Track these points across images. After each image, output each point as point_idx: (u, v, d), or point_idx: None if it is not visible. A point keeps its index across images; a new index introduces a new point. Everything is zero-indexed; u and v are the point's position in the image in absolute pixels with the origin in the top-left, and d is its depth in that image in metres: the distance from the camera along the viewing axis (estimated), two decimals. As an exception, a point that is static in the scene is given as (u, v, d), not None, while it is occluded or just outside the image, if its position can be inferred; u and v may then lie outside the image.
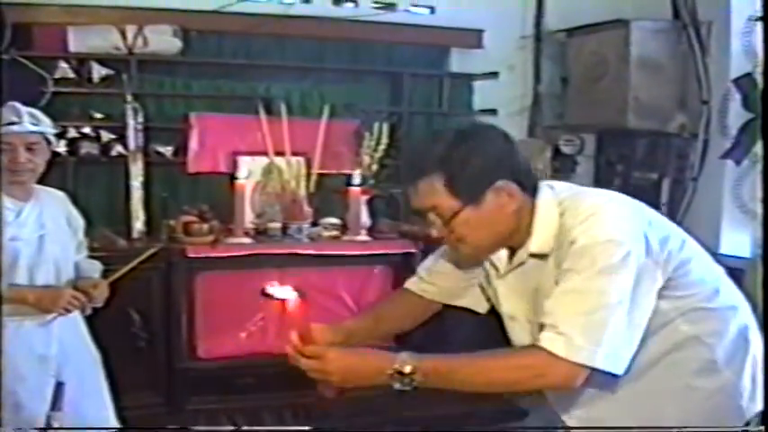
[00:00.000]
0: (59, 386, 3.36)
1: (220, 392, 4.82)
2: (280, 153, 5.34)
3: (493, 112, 5.74)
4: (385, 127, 5.43)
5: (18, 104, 3.44)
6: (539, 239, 2.21)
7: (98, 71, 5.14)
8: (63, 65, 5.06)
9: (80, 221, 3.78)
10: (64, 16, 5.07)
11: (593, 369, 2.03)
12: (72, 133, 5.02)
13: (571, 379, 2.05)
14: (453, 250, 2.35)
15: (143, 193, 5.14)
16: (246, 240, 4.99)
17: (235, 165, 5.26)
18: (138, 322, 4.70)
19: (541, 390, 2.21)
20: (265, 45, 5.57)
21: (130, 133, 5.10)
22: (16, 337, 3.27)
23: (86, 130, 5.12)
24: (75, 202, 3.77)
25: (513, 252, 2.31)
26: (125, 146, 5.12)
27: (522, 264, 2.28)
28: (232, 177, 5.14)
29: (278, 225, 5.21)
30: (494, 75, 5.75)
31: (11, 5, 4.83)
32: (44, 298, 3.35)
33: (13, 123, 3.32)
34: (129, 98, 5.09)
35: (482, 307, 2.60)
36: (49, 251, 3.46)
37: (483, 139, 2.21)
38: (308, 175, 5.38)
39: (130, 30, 5.15)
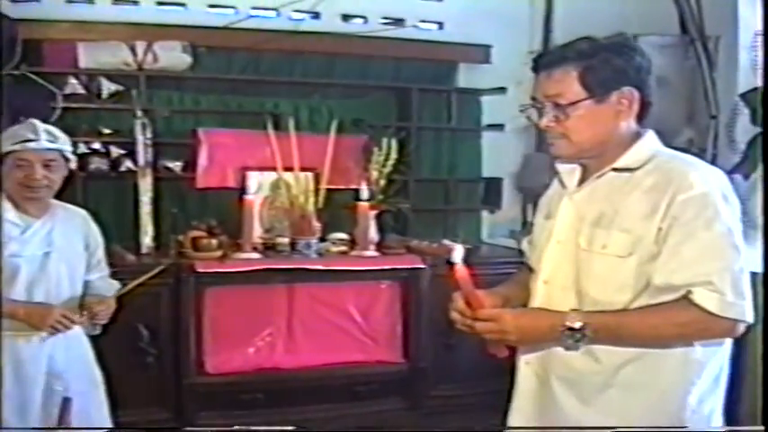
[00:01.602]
0: (66, 401, 3.37)
1: (228, 408, 4.81)
2: (288, 168, 5.35)
3: (500, 127, 5.76)
4: (393, 142, 5.43)
5: (36, 122, 3.45)
6: (629, 158, 2.29)
7: (108, 87, 5.17)
8: (73, 81, 5.09)
9: (99, 240, 3.75)
10: (74, 32, 5.11)
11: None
12: (81, 149, 5.02)
13: (731, 331, 2.18)
14: (551, 144, 2.39)
15: (152, 209, 5.16)
16: (255, 255, 4.99)
17: (243, 180, 5.27)
18: (147, 337, 4.71)
19: (710, 340, 2.25)
20: (274, 61, 5.59)
21: (140, 149, 5.12)
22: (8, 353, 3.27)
23: (96, 145, 5.14)
24: None
25: (584, 173, 2.40)
26: (134, 161, 5.14)
27: (599, 177, 2.34)
28: (241, 192, 5.15)
29: (286, 240, 5.21)
30: (502, 90, 5.74)
31: (22, 21, 4.86)
32: (33, 315, 3.31)
33: (30, 140, 3.32)
34: (138, 114, 5.12)
35: None
36: (53, 269, 3.43)
37: (629, 47, 2.30)
38: (317, 190, 5.38)
39: (140, 46, 5.18)
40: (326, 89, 5.75)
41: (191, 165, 5.34)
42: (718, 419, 2.33)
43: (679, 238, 2.15)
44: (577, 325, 2.16)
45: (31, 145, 3.33)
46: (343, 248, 5.27)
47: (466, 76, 5.93)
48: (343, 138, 5.51)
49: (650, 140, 2.34)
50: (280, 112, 5.53)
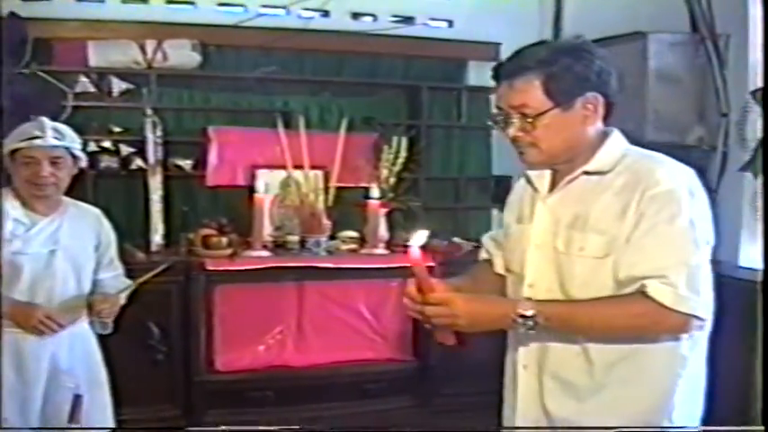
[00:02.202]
0: (77, 399, 3.38)
1: (238, 406, 4.81)
2: (298, 166, 5.35)
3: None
4: (403, 140, 5.44)
5: (44, 119, 3.44)
6: (599, 161, 2.30)
7: (118, 85, 5.19)
8: (83, 79, 5.12)
9: (111, 239, 3.74)
10: (84, 31, 5.13)
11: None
12: (92, 147, 5.04)
13: (683, 327, 2.19)
14: (521, 154, 2.37)
15: (162, 207, 5.18)
16: (265, 253, 5.00)
17: (253, 178, 5.28)
18: (157, 335, 4.72)
19: (660, 335, 2.26)
20: (284, 59, 5.58)
21: (150, 147, 5.14)
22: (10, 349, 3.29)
23: (106, 143, 5.16)
24: None
25: (555, 177, 2.40)
26: (144, 159, 5.16)
27: (570, 182, 2.34)
28: (251, 191, 5.15)
29: (296, 238, 5.22)
30: (511, 88, 5.72)
31: (32, 20, 4.88)
32: (17, 314, 3.27)
33: (36, 138, 3.32)
34: (148, 112, 5.13)
35: None
36: (59, 268, 3.42)
37: (588, 52, 2.28)
38: (327, 188, 5.39)
39: (150, 44, 5.20)
40: (336, 87, 5.76)
41: (201, 163, 5.35)
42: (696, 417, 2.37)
43: (641, 232, 2.18)
44: (529, 313, 2.15)
45: (38, 142, 3.32)
46: (353, 246, 5.27)
47: (476, 74, 5.92)
48: (353, 136, 5.52)
49: (618, 141, 2.35)
50: (290, 110, 5.54)
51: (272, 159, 5.40)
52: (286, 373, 4.96)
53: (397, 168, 5.41)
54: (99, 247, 3.66)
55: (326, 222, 5.22)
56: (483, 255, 2.81)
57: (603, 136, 2.33)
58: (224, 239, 4.95)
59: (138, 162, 5.18)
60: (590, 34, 5.18)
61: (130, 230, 5.04)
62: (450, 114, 5.95)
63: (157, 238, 5.13)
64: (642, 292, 2.15)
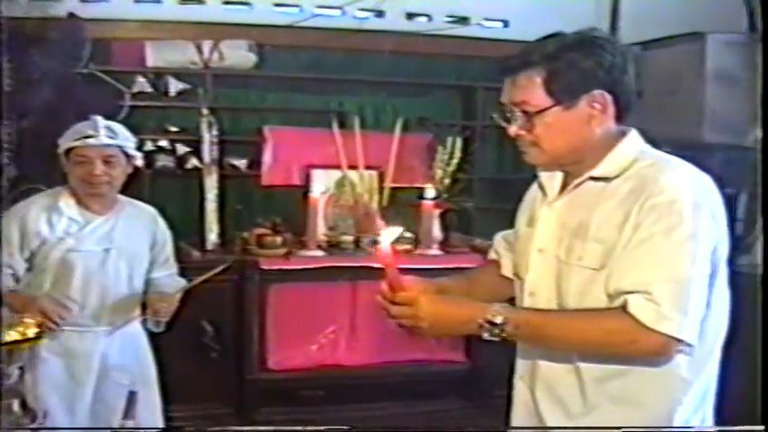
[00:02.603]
0: (132, 395, 3.41)
1: (290, 404, 4.84)
2: (353, 166, 5.37)
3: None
4: (458, 141, 5.43)
5: (98, 118, 3.43)
6: (607, 166, 2.13)
7: (175, 85, 5.24)
8: (140, 79, 5.17)
9: (167, 238, 3.76)
10: (142, 32, 5.19)
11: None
12: (148, 146, 5.10)
13: (663, 349, 1.99)
14: (523, 153, 2.22)
15: (217, 206, 5.21)
16: (319, 253, 5.02)
17: (308, 178, 5.30)
18: (211, 333, 4.75)
19: (635, 357, 2.06)
20: (339, 59, 5.60)
21: (205, 146, 5.18)
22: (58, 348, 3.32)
23: (163, 143, 5.21)
24: None
25: (566, 179, 2.24)
26: (200, 159, 5.20)
27: (577, 186, 2.18)
28: (305, 190, 5.17)
29: (350, 238, 5.23)
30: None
31: (91, 21, 4.94)
32: (16, 302, 3.17)
33: (89, 137, 3.33)
34: (204, 112, 5.17)
35: None
36: (112, 266, 3.44)
37: (598, 45, 2.12)
38: (381, 188, 5.40)
39: (206, 44, 5.23)
40: (391, 87, 5.75)
41: (256, 162, 5.39)
42: None
43: (634, 243, 2.00)
44: (498, 320, 1.99)
45: (91, 141, 3.32)
46: (407, 247, 5.26)
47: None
48: (408, 136, 5.52)
49: (630, 144, 2.16)
50: (345, 110, 5.55)
51: (326, 159, 5.43)
52: (338, 372, 4.98)
53: (451, 169, 5.40)
54: (154, 247, 3.67)
55: (380, 222, 5.22)
56: (491, 254, 2.67)
57: (618, 137, 2.16)
58: (278, 239, 4.97)
59: (194, 161, 5.23)
60: (647, 34, 5.16)
61: (186, 229, 5.09)
62: (506, 115, 5.91)
63: (212, 236, 5.17)
64: (623, 307, 1.97)
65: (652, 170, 2.07)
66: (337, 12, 5.43)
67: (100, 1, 5.04)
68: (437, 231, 5.30)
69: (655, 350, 1.99)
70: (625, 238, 2.02)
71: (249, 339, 4.87)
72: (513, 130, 2.17)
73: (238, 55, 5.30)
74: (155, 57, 5.18)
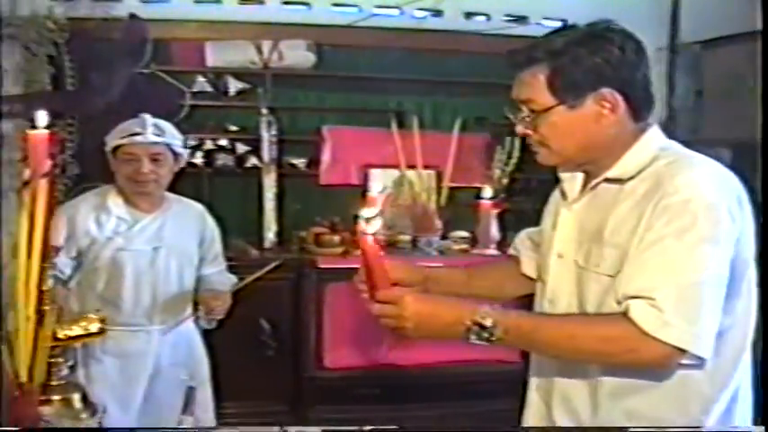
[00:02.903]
0: (190, 390, 3.43)
1: (345, 403, 4.84)
2: (411, 166, 5.37)
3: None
4: (516, 141, 5.39)
5: (145, 116, 3.41)
6: (622, 167, 2.01)
7: (234, 85, 5.28)
8: (201, 79, 5.22)
9: (216, 235, 3.72)
10: (202, 32, 5.25)
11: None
12: (208, 145, 5.16)
13: (666, 359, 1.83)
14: (535, 153, 2.11)
15: (276, 205, 5.25)
16: (377, 252, 5.01)
17: (366, 177, 5.31)
18: (268, 331, 4.78)
19: (633, 367, 1.92)
20: (398, 59, 5.60)
21: (265, 145, 5.22)
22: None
23: (222, 142, 5.26)
24: (209, 211, 3.76)
25: (586, 180, 2.11)
26: (259, 158, 5.25)
27: (593, 188, 2.07)
28: (363, 189, 5.19)
29: (408, 237, 5.23)
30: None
31: (152, 21, 5.02)
32: None
33: (136, 134, 3.32)
34: (263, 111, 5.20)
35: None
36: (162, 265, 3.43)
37: (608, 40, 1.99)
38: (439, 188, 5.39)
39: (266, 44, 5.27)
40: (450, 87, 5.73)
41: (314, 162, 5.42)
42: None
43: (645, 246, 1.87)
44: (488, 322, 1.85)
45: (138, 139, 3.30)
46: (465, 246, 5.26)
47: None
48: (467, 136, 5.51)
49: (649, 142, 2.03)
50: (403, 109, 5.56)
51: (385, 159, 5.44)
52: (393, 371, 4.97)
53: (509, 169, 5.39)
54: (203, 243, 3.65)
55: (438, 222, 5.22)
56: (511, 250, 2.54)
57: (637, 135, 2.03)
58: (336, 238, 5.00)
59: (254, 160, 5.27)
60: (708, 34, 5.08)
61: (244, 227, 5.14)
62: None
63: (270, 235, 5.21)
64: (624, 313, 1.83)
65: (669, 168, 1.93)
66: (396, 11, 5.42)
67: (160, 1, 5.10)
68: (495, 231, 5.28)
69: (655, 360, 1.85)
70: (637, 240, 1.89)
71: (306, 338, 4.89)
72: (519, 129, 2.09)
73: (297, 55, 5.33)
74: (214, 57, 5.24)
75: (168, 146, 3.42)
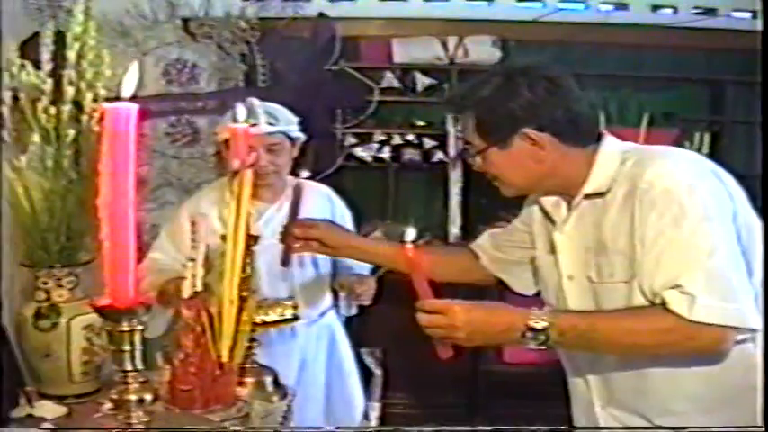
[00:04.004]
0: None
1: (523, 397, 4.84)
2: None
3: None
4: (706, 137, 5.28)
5: (255, 101, 3.24)
6: (594, 182, 2.06)
7: (421, 81, 5.37)
8: (389, 75, 5.34)
9: (347, 217, 3.52)
10: (388, 29, 5.37)
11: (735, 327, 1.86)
12: (396, 140, 5.26)
13: (721, 340, 1.88)
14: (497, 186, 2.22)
15: (461, 199, 5.30)
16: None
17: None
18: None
19: (697, 353, 1.95)
20: (583, 53, 5.55)
21: (451, 141, 5.28)
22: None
23: (410, 137, 5.34)
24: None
25: (570, 204, 2.17)
26: (445, 153, 5.31)
27: (576, 208, 2.12)
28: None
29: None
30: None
31: (340, 20, 5.18)
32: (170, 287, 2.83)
33: (252, 126, 3.04)
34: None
35: (530, 288, 2.48)
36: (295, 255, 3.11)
37: (523, 85, 2.05)
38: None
39: (451, 41, 5.33)
40: (636, 82, 5.66)
41: (501, 157, 5.42)
42: None
43: (649, 245, 1.91)
44: (541, 325, 1.88)
45: (252, 130, 2.90)
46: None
47: (786, 67, 5.64)
48: (654, 131, 5.41)
49: (609, 153, 2.09)
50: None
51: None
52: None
53: (698, 165, 5.27)
54: None
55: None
56: (472, 245, 2.65)
57: (592, 151, 2.09)
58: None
59: (440, 155, 5.34)
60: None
61: (429, 221, 5.21)
62: (756, 110, 5.69)
63: (455, 229, 5.26)
64: (662, 305, 1.88)
65: (637, 167, 2.00)
66: (581, 5, 5.40)
67: (348, 0, 5.24)
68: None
69: (713, 343, 1.89)
70: (638, 241, 1.94)
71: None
72: (475, 167, 2.21)
73: (483, 50, 5.37)
74: (401, 53, 5.34)
75: (284, 133, 3.28)
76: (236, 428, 1.75)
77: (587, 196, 2.10)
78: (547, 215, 2.26)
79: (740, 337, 1.90)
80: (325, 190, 3.55)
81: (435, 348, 2.04)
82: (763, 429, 1.90)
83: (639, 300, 1.96)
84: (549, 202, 2.23)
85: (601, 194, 2.07)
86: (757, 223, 2.03)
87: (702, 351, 1.94)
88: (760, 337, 1.95)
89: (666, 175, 1.95)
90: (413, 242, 2.00)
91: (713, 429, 1.85)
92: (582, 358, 2.23)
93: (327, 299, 3.49)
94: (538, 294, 2.45)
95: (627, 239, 1.98)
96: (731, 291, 1.87)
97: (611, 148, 2.11)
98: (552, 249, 2.24)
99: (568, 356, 2.31)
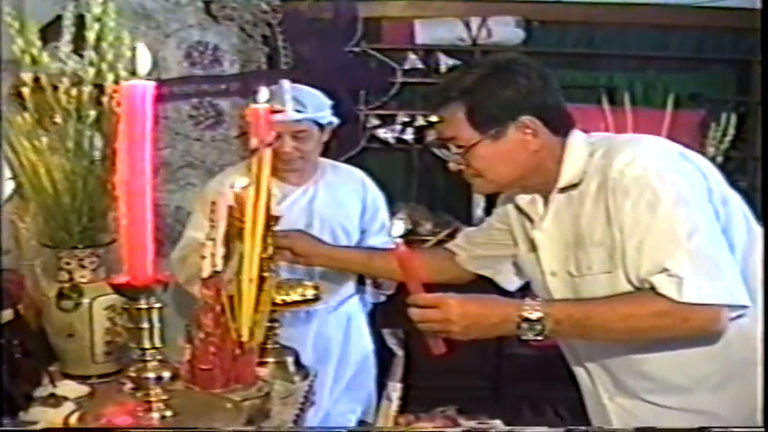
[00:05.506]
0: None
1: (547, 380, 4.84)
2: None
3: None
4: (732, 118, 5.23)
5: (285, 85, 3.22)
6: (566, 175, 2.11)
7: (445, 62, 5.33)
8: (412, 56, 5.30)
9: (379, 203, 3.50)
10: (411, 9, 5.32)
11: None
12: (419, 121, 5.24)
13: (714, 319, 1.92)
14: (471, 184, 2.27)
15: (483, 180, 5.27)
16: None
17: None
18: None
19: (693, 334, 1.98)
20: (608, 34, 5.52)
21: (472, 122, 5.24)
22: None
23: (433, 118, 5.31)
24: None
25: (546, 201, 2.20)
26: (469, 134, 5.28)
27: (552, 202, 2.17)
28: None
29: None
30: None
31: (360, 1, 5.15)
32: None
33: (274, 111, 2.91)
34: (472, 88, 5.25)
35: (511, 283, 2.51)
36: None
37: (514, 72, 2.10)
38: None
39: (474, 21, 5.29)
40: (662, 62, 5.61)
41: (525, 137, 5.41)
42: None
43: (628, 233, 1.95)
44: (535, 316, 1.91)
45: (277, 117, 2.92)
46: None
47: (814, 47, 5.59)
48: (680, 112, 5.37)
49: (577, 146, 2.13)
50: (614, 86, 5.47)
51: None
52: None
53: (724, 147, 5.22)
54: (365, 213, 3.43)
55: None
56: (449, 245, 2.71)
57: (562, 143, 2.15)
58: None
59: (463, 137, 5.31)
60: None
61: (452, 202, 5.20)
62: (782, 90, 5.66)
63: (479, 211, 5.25)
64: (652, 290, 1.91)
65: (605, 158, 2.05)
66: (605, -15, 5.36)
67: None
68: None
69: (706, 322, 1.93)
70: (618, 232, 1.98)
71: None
72: (452, 166, 2.20)
73: (506, 31, 5.33)
74: (423, 34, 5.30)
75: (313, 120, 3.24)
76: (244, 429, 1.76)
77: (562, 190, 2.14)
78: (523, 213, 2.29)
79: (734, 314, 1.93)
80: (360, 174, 3.54)
81: (428, 344, 2.07)
82: (763, 429, 1.93)
83: (623, 290, 2.00)
84: (524, 200, 2.27)
85: (574, 186, 2.12)
86: (733, 194, 2.11)
87: (698, 332, 1.97)
88: (759, 327, 2.00)
89: (635, 162, 1.98)
90: (401, 236, 2.00)
91: (713, 429, 1.85)
92: (580, 346, 2.28)
93: (350, 286, 3.46)
94: (524, 288, 2.49)
95: (604, 230, 2.01)
96: (717, 269, 1.90)
97: (579, 140, 2.16)
98: (533, 247, 2.27)
99: (568, 347, 2.36)
